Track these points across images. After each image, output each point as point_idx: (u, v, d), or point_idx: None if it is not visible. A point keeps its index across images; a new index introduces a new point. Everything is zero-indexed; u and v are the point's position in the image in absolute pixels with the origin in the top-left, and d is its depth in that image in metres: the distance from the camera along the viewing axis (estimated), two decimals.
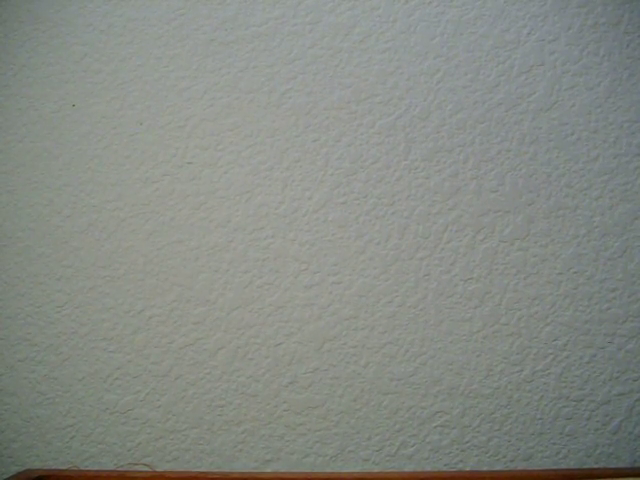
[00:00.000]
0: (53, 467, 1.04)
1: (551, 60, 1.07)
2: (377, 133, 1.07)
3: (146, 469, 1.02)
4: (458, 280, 1.05)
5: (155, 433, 1.04)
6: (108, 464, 1.04)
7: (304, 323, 1.05)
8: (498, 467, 1.02)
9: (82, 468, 1.03)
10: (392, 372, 1.04)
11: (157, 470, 1.02)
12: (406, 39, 1.08)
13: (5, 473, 1.04)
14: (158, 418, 1.05)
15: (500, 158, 1.06)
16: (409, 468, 1.03)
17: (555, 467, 1.01)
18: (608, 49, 1.06)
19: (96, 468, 1.04)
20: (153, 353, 1.06)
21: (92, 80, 1.10)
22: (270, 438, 1.04)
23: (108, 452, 1.05)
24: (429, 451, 1.03)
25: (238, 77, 1.09)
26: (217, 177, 1.08)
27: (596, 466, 1.01)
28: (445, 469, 1.02)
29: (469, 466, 1.02)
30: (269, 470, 1.03)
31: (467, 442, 1.03)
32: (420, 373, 1.04)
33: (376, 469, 1.03)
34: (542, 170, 1.06)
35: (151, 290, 1.06)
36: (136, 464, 1.03)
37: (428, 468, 1.02)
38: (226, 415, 1.04)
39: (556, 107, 1.06)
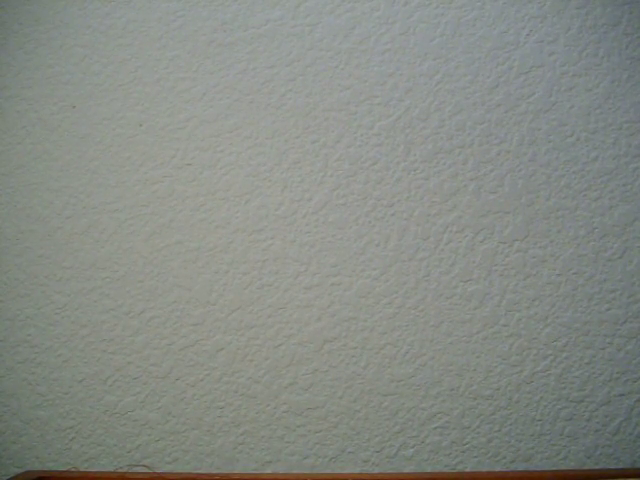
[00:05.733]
0: (53, 468, 1.04)
1: (550, 61, 1.07)
2: (376, 134, 1.07)
3: (146, 470, 1.02)
4: (458, 281, 1.05)
5: (155, 434, 1.04)
6: (108, 466, 1.04)
7: (304, 324, 1.05)
8: (498, 468, 1.02)
9: (82, 469, 1.03)
10: (392, 373, 1.04)
11: (157, 471, 1.02)
12: (405, 40, 1.08)
13: (5, 474, 1.04)
14: (158, 419, 1.05)
15: (499, 159, 1.06)
16: (409, 469, 1.03)
17: (555, 468, 1.01)
18: (607, 50, 1.07)
19: (96, 470, 1.04)
20: (153, 354, 1.06)
21: (92, 82, 1.10)
22: (270, 439, 1.04)
23: (108, 454, 1.05)
24: (429, 452, 1.03)
25: (238, 78, 1.09)
26: (217, 178, 1.08)
27: (596, 467, 1.01)
28: (445, 470, 1.02)
29: (469, 467, 1.02)
30: (269, 471, 1.03)
31: (467, 443, 1.03)
32: (420, 374, 1.04)
33: (376, 470, 1.03)
34: (541, 171, 1.06)
35: (151, 291, 1.06)
36: (136, 465, 1.03)
37: (428, 469, 1.02)
38: (226, 416, 1.04)
39: (555, 108, 1.06)
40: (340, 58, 1.08)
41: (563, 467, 1.02)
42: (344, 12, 1.09)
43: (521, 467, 1.02)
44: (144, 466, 1.03)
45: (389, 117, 1.07)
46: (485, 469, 1.02)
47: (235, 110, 1.09)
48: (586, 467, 1.01)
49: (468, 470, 1.02)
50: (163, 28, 1.10)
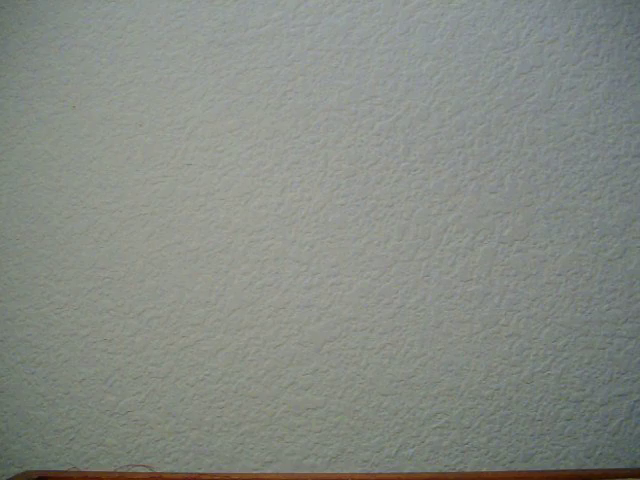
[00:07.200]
0: (53, 468, 1.04)
1: (550, 61, 1.07)
2: (376, 134, 1.07)
3: (146, 470, 1.02)
4: (458, 281, 1.05)
5: (155, 434, 1.04)
6: (108, 465, 1.04)
7: (304, 324, 1.05)
8: (498, 468, 1.02)
9: (82, 469, 1.03)
10: (392, 373, 1.04)
11: (157, 471, 1.02)
12: (405, 40, 1.08)
13: (5, 474, 1.04)
14: (158, 419, 1.05)
15: (499, 159, 1.06)
16: (409, 469, 1.03)
17: (555, 468, 1.01)
18: (607, 50, 1.07)
19: (96, 469, 1.04)
20: (153, 354, 1.06)
21: (92, 82, 1.10)
22: (270, 439, 1.04)
23: (108, 453, 1.05)
24: (429, 452, 1.03)
25: (238, 79, 1.09)
26: (217, 179, 1.08)
27: (596, 467, 1.01)
28: (445, 470, 1.02)
29: (469, 467, 1.02)
30: (269, 471, 1.03)
31: (467, 443, 1.03)
32: (420, 374, 1.04)
33: (376, 470, 1.03)
34: (541, 171, 1.06)
35: (151, 291, 1.06)
36: (136, 465, 1.03)
37: (428, 469, 1.02)
38: (226, 416, 1.04)
39: (555, 108, 1.06)
40: (340, 58, 1.08)
41: (563, 467, 1.02)
42: (344, 12, 1.09)
43: (521, 467, 1.02)
44: (144, 466, 1.03)
45: (389, 117, 1.07)
46: (485, 469, 1.02)
47: (235, 110, 1.09)
48: (586, 467, 1.01)
49: (468, 470, 1.02)
50: (163, 28, 1.10)
